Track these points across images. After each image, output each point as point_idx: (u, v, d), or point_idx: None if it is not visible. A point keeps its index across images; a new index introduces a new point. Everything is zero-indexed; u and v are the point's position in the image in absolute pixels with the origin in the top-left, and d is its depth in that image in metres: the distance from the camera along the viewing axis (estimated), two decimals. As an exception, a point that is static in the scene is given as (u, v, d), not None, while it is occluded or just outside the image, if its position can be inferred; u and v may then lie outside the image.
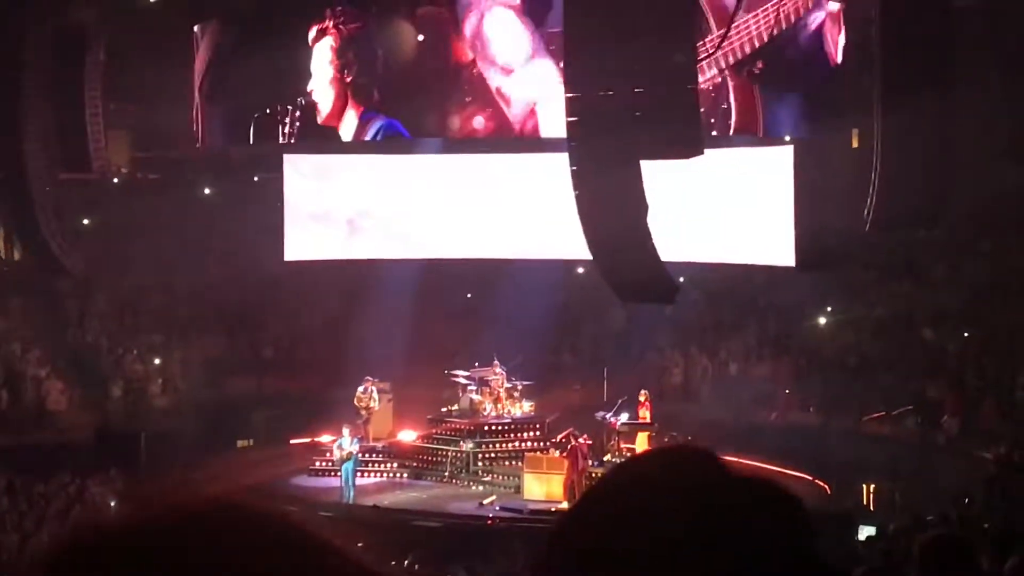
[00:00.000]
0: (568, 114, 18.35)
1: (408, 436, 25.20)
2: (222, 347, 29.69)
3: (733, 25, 19.98)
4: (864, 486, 22.34)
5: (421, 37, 23.66)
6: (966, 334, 25.30)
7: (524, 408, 25.26)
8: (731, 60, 21.21)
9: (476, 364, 25.51)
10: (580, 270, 27.13)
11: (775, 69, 21.62)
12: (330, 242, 28.58)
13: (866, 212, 19.82)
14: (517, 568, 16.86)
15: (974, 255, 26.36)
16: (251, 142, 25.30)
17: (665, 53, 17.40)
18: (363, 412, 24.63)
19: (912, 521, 15.11)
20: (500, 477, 24.05)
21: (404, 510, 22.45)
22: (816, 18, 21.59)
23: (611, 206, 18.81)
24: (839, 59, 21.64)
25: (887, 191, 19.60)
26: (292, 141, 24.85)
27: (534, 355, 26.19)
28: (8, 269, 29.90)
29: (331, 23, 23.85)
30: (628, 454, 23.01)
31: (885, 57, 19.22)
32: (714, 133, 22.01)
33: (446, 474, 24.39)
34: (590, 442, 22.75)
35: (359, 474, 23.35)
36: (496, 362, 25.01)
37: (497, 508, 22.51)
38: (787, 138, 24.69)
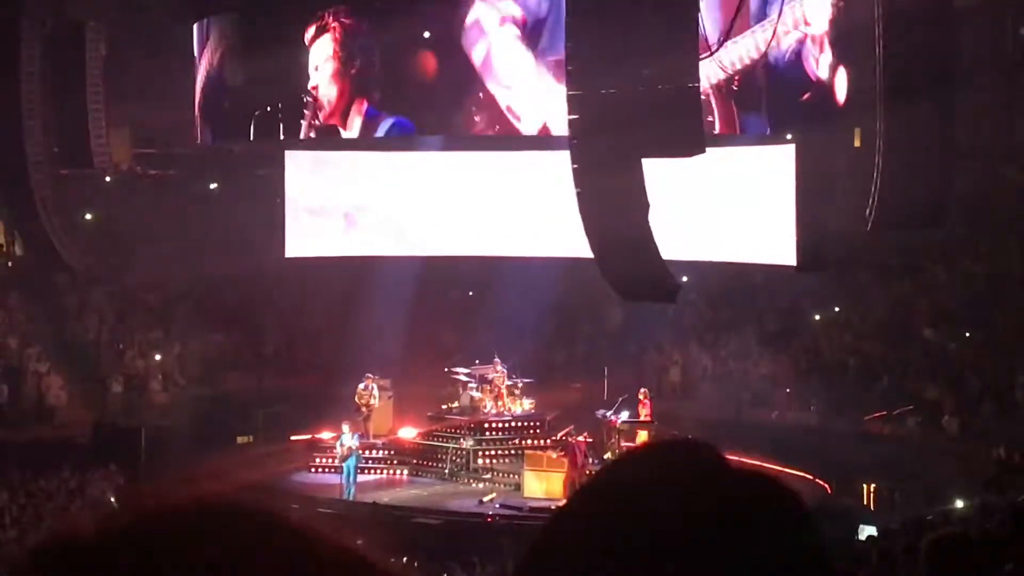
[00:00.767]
0: (570, 112, 18.35)
1: (408, 433, 25.20)
2: (222, 343, 29.69)
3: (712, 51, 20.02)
4: (864, 485, 22.37)
5: (427, 34, 23.57)
6: (966, 334, 25.32)
7: (524, 406, 25.26)
8: (712, 80, 21.43)
9: (477, 361, 25.52)
10: (581, 268, 27.13)
11: (752, 88, 21.96)
12: (330, 238, 28.57)
13: (868, 212, 19.85)
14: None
15: (974, 256, 26.39)
16: (251, 139, 25.32)
17: (667, 52, 17.41)
18: (363, 409, 24.62)
19: (912, 520, 15.13)
20: (500, 475, 24.05)
21: (404, 507, 22.46)
22: (796, 43, 21.84)
23: (613, 204, 18.81)
24: (823, 77, 21.98)
25: (889, 192, 19.64)
26: (312, 136, 24.89)
27: (534, 353, 26.20)
28: (9, 264, 29.92)
29: (331, 19, 23.83)
30: (628, 452, 23.04)
31: (887, 59, 19.25)
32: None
33: (446, 471, 24.38)
34: (590, 440, 22.76)
35: (359, 471, 23.36)
36: (497, 359, 25.02)
37: (497, 506, 22.51)
38: (788, 137, 24.73)
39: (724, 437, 21.11)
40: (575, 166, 18.47)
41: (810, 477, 22.54)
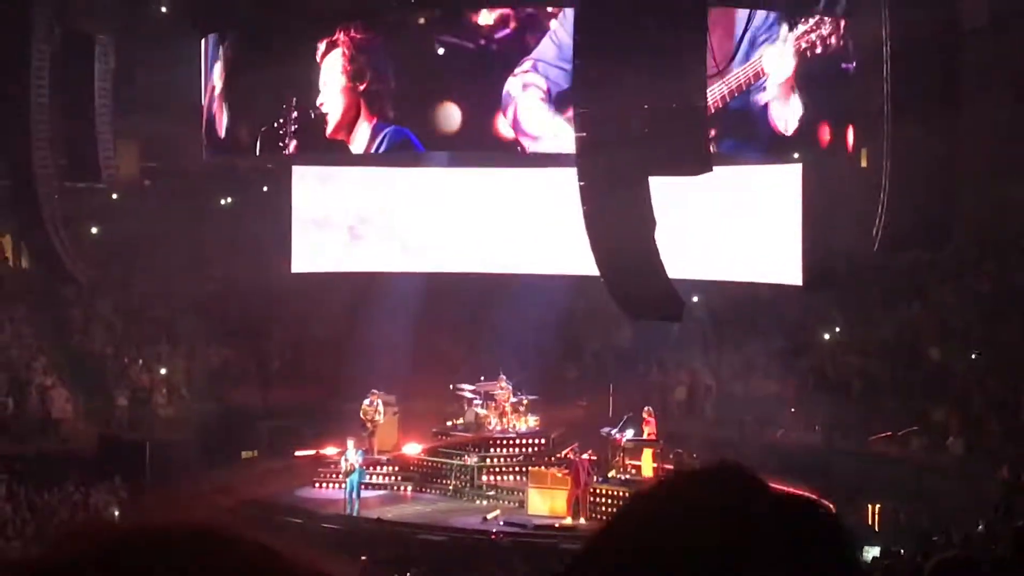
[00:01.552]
0: (577, 129, 18.38)
1: (413, 449, 25.17)
2: (227, 357, 29.70)
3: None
4: (869, 506, 22.28)
5: (442, 51, 23.42)
6: (972, 355, 25.26)
7: (529, 423, 25.23)
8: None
9: (482, 378, 25.50)
10: (587, 285, 27.11)
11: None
12: (335, 252, 28.53)
13: (875, 232, 19.84)
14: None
15: (980, 275, 26.34)
16: (258, 154, 25.33)
17: (674, 71, 17.45)
18: (368, 425, 24.62)
19: (917, 542, 15.08)
20: (504, 492, 24.02)
21: (408, 523, 22.44)
22: (761, 96, 21.75)
23: (619, 222, 18.83)
24: (787, 131, 21.91)
25: (896, 213, 19.63)
26: (294, 152, 24.72)
27: (540, 370, 26.18)
28: (15, 277, 29.96)
29: (342, 35, 23.83)
30: (633, 470, 23.02)
31: (895, 80, 19.28)
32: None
33: (450, 488, 24.36)
34: (594, 458, 22.73)
35: (363, 487, 23.34)
36: (502, 376, 25.00)
37: (501, 523, 22.47)
38: (795, 155, 24.74)
39: (729, 456, 21.12)
40: (582, 183, 18.50)
41: (814, 497, 22.45)
